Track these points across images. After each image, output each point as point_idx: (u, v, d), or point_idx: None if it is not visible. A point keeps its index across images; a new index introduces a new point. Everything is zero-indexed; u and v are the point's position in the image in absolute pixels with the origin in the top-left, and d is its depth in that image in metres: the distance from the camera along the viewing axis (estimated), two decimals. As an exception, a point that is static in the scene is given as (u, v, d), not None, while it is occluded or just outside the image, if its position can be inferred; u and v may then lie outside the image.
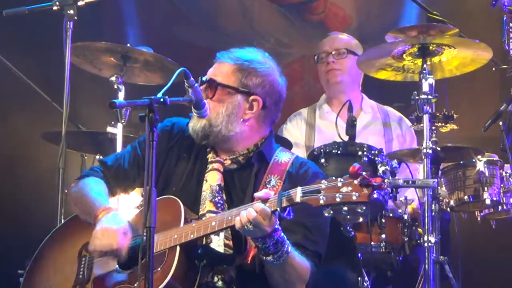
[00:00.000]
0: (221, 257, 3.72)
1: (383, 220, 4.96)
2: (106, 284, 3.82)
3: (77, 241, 3.98)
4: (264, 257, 3.57)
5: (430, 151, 4.93)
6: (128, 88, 5.56)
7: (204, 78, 3.93)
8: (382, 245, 5.00)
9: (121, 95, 5.51)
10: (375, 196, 3.30)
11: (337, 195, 3.32)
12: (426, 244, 4.83)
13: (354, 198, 3.29)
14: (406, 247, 5.05)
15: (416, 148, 5.24)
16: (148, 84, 5.76)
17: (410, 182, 4.81)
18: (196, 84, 3.74)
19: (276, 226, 3.50)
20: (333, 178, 3.37)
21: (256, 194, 3.55)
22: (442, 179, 5.21)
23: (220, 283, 3.71)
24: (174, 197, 3.79)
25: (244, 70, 3.93)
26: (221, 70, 3.96)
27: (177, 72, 3.67)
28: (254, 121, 3.95)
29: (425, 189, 4.92)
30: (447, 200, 5.20)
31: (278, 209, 3.45)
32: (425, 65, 4.99)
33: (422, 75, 4.97)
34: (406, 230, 5.06)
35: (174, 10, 7.35)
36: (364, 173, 3.32)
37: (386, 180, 4.70)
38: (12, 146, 6.68)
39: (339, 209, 3.32)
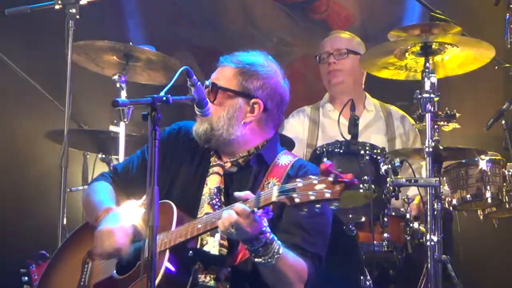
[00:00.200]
0: (213, 258, 3.73)
1: (386, 219, 4.96)
2: None
3: (83, 249, 4.01)
4: (254, 259, 3.58)
5: (432, 150, 4.92)
6: (130, 87, 5.56)
7: (207, 82, 3.94)
8: (384, 244, 5.00)
9: (123, 94, 5.52)
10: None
11: (311, 193, 3.33)
12: (428, 243, 4.83)
13: (327, 195, 3.30)
14: (408, 246, 5.05)
15: (419, 147, 5.25)
16: (150, 83, 5.77)
17: (413, 181, 4.83)
18: (199, 83, 3.74)
19: (264, 229, 3.51)
20: (310, 176, 3.38)
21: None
22: (444, 178, 5.21)
23: (212, 283, 3.72)
24: (169, 202, 3.79)
25: (245, 73, 3.93)
26: (223, 74, 3.96)
27: (179, 70, 3.67)
28: (255, 124, 3.94)
29: (428, 188, 4.91)
30: (449, 199, 5.21)
31: (255, 208, 3.46)
32: (427, 64, 4.98)
33: (424, 74, 4.97)
34: (408, 229, 5.05)
35: (177, 10, 7.35)
36: (334, 169, 3.33)
37: (388, 179, 4.73)
38: (15, 145, 6.69)
39: (313, 206, 3.35)
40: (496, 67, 5.35)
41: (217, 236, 3.76)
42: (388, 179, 4.73)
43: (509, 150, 5.22)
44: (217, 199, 3.86)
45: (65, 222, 4.82)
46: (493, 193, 5.14)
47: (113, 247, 3.74)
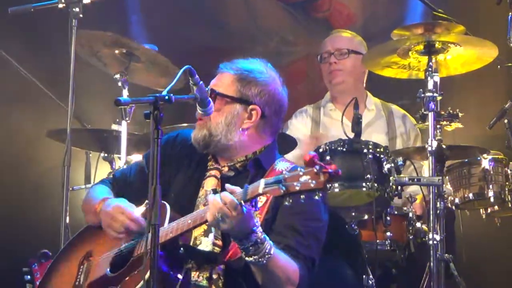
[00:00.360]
0: (204, 255, 3.75)
1: (388, 218, 4.96)
2: None
3: (83, 251, 4.05)
4: (246, 258, 3.59)
5: (434, 149, 4.92)
6: (132, 86, 5.57)
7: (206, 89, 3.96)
8: (387, 242, 5.00)
9: (125, 93, 5.52)
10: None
11: (296, 183, 3.36)
12: (431, 242, 4.83)
13: (312, 185, 3.33)
14: (411, 245, 5.05)
15: (421, 145, 5.24)
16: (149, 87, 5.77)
17: (415, 180, 4.83)
18: (201, 82, 3.75)
19: (254, 228, 3.53)
20: (296, 169, 3.41)
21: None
22: (447, 177, 5.21)
23: (204, 282, 3.73)
24: (163, 202, 3.80)
25: (243, 80, 3.96)
26: (222, 81, 3.99)
27: (182, 69, 3.67)
28: (253, 131, 3.97)
29: (430, 187, 4.91)
30: (452, 198, 5.21)
31: (243, 201, 3.48)
32: (430, 63, 4.99)
33: (427, 73, 4.97)
34: (411, 228, 5.05)
35: (179, 9, 7.35)
36: (318, 160, 3.36)
37: (391, 178, 4.72)
38: (17, 144, 6.69)
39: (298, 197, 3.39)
40: (499, 67, 5.35)
41: (211, 236, 3.79)
42: (391, 178, 4.72)
43: (512, 149, 5.23)
44: None
45: (67, 220, 4.83)
46: (496, 192, 5.14)
47: (124, 222, 3.78)
